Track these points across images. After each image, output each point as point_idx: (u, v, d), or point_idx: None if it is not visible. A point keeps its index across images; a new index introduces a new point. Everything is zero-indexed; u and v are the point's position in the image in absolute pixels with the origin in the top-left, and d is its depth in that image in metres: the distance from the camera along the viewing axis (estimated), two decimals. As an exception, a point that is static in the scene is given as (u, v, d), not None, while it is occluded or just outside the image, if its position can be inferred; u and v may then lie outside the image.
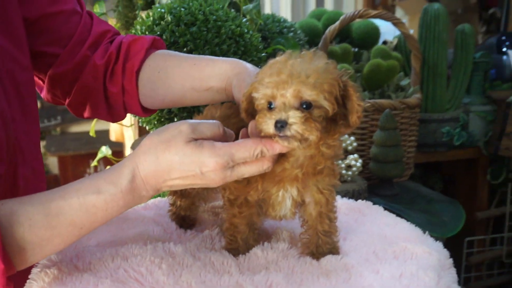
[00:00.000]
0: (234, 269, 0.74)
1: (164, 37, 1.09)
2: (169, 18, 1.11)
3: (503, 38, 2.13)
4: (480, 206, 2.02)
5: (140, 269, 0.73)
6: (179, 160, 0.68)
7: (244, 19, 1.22)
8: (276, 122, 0.65)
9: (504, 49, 2.08)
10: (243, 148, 0.67)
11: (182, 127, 0.69)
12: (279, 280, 0.70)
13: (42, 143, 3.20)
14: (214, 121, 0.72)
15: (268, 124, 0.66)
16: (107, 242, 0.82)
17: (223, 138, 0.71)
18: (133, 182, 0.69)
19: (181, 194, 0.88)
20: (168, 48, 1.09)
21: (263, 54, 1.19)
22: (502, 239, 2.06)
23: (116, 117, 0.99)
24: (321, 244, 0.78)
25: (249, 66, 0.84)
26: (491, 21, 2.81)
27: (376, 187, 1.49)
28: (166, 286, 0.69)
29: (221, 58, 0.89)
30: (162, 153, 0.68)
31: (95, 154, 3.18)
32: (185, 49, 1.08)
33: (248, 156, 0.68)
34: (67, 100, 0.97)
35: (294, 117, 0.65)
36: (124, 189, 0.69)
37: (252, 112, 0.71)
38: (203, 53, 1.08)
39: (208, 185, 0.70)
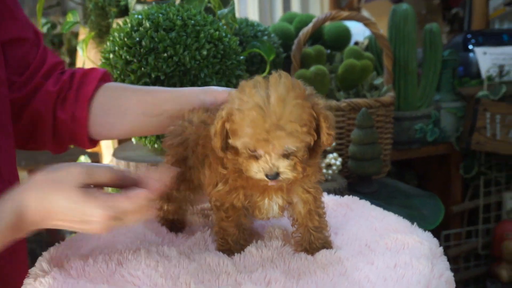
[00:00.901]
0: (231, 268, 0.74)
1: (143, 43, 1.09)
2: (147, 24, 1.11)
3: (469, 36, 2.19)
4: (454, 200, 2.07)
5: (136, 273, 0.73)
6: (66, 205, 0.68)
7: (220, 24, 1.23)
8: (267, 175, 0.68)
9: (471, 47, 2.14)
10: (129, 201, 0.68)
11: (76, 170, 0.69)
12: (277, 276, 0.70)
13: (12, 158, 3.12)
14: (111, 165, 0.74)
15: (257, 174, 0.69)
16: (98, 249, 0.81)
17: (124, 181, 0.72)
18: (15, 218, 0.69)
19: (167, 198, 0.88)
20: (148, 54, 1.09)
21: (241, 57, 1.20)
22: (477, 232, 2.12)
23: (60, 148, 0.99)
24: (313, 240, 0.79)
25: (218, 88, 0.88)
26: (454, 21, 2.89)
27: (356, 184, 1.51)
28: (165, 289, 0.69)
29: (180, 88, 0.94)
30: (49, 193, 0.68)
31: (67, 167, 3.11)
32: (165, 54, 1.08)
33: (134, 208, 0.69)
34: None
35: (283, 167, 0.68)
36: (5, 225, 0.69)
37: (226, 146, 0.72)
38: (183, 58, 1.08)
39: (92, 231, 0.71)
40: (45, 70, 0.94)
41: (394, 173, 2.08)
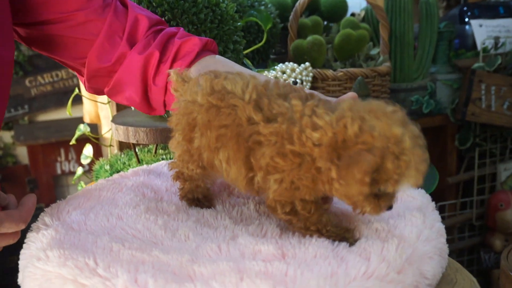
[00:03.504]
0: (228, 222, 0.76)
1: (141, 8, 1.10)
2: (145, -11, 1.12)
3: (465, 9, 2.20)
4: (450, 171, 2.10)
5: (136, 226, 0.75)
6: None
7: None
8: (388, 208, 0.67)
9: (467, 19, 2.15)
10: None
11: None
12: (273, 228, 0.72)
13: (10, 133, 3.14)
14: None
15: (382, 210, 0.66)
16: (99, 206, 0.82)
17: None
18: None
19: (183, 178, 0.83)
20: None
21: (239, 24, 1.21)
22: (471, 203, 2.14)
23: (151, 110, 0.97)
24: None
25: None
26: (451, -4, 2.89)
27: (352, 153, 1.53)
28: (164, 240, 0.71)
29: None
30: None
31: (66, 142, 3.13)
32: (163, 19, 1.09)
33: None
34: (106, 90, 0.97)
35: None
36: None
37: None
38: (181, 23, 1.09)
39: None
40: (127, 34, 0.91)
41: (390, 144, 2.09)
